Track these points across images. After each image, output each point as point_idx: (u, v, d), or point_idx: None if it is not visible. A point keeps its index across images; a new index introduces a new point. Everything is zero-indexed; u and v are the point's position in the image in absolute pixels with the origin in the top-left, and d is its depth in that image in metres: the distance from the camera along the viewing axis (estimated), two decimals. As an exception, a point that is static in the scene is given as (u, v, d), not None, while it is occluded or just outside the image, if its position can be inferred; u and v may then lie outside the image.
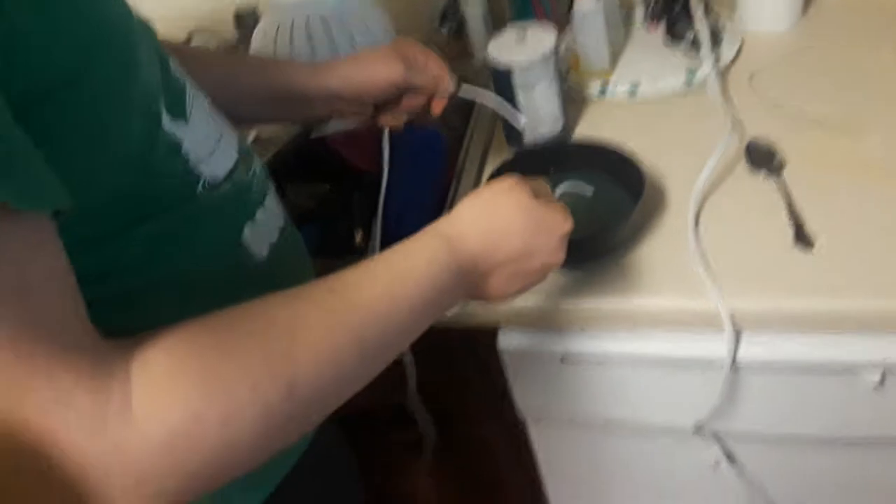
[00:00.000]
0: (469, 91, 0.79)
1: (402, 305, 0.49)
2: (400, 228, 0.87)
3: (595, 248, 0.75)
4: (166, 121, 0.49)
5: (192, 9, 1.36)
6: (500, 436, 0.98)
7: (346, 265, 0.86)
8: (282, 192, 1.05)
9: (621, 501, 0.96)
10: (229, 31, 1.30)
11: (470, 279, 0.55)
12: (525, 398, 0.85)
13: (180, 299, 0.50)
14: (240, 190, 0.56)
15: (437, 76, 0.77)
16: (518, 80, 0.86)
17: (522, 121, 0.76)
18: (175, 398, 0.39)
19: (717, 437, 0.80)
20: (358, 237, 0.90)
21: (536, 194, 0.57)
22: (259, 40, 1.00)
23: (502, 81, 0.88)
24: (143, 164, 0.47)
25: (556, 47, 0.87)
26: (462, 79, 1.13)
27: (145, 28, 0.51)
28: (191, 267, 0.52)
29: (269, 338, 0.43)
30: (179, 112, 0.51)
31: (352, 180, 1.00)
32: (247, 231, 0.56)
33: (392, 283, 0.49)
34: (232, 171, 0.56)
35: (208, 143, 0.54)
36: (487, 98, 0.77)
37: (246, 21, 1.22)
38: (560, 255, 0.58)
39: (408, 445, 0.98)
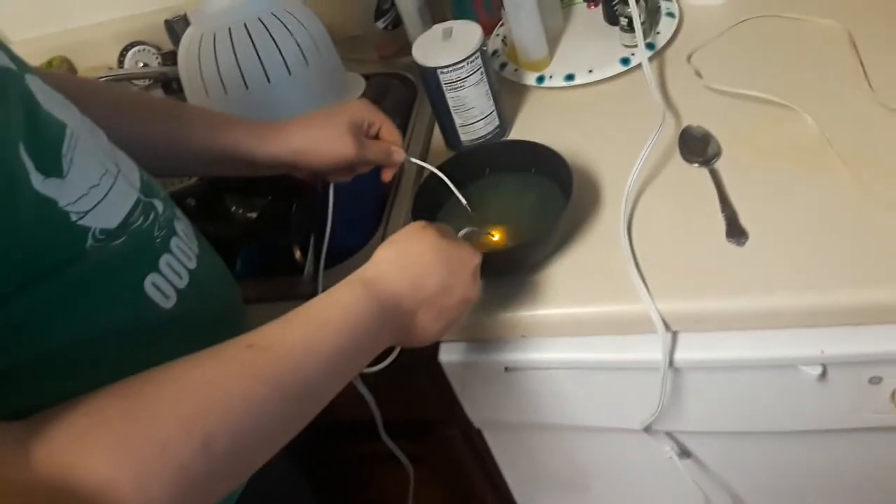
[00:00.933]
0: (416, 162, 0.80)
1: (320, 353, 0.50)
2: (340, 241, 0.85)
3: (524, 257, 0.73)
4: (37, 181, 0.46)
5: (123, 22, 1.32)
6: (465, 442, 0.97)
7: (287, 284, 0.85)
8: (222, 203, 1.05)
9: (586, 499, 0.96)
10: (164, 41, 1.27)
11: (396, 320, 0.56)
12: (475, 408, 0.83)
13: (84, 364, 0.49)
14: (138, 241, 0.54)
15: (387, 149, 0.76)
16: (445, 81, 0.84)
17: (465, 203, 0.77)
18: (81, 469, 0.39)
19: (669, 435, 0.79)
20: (297, 254, 0.88)
21: (444, 234, 0.59)
22: (184, 52, 0.97)
23: (430, 82, 0.85)
24: (7, 233, 0.44)
25: (483, 45, 0.84)
26: (400, 76, 1.11)
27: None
28: (87, 331, 0.49)
29: (179, 397, 0.44)
30: (52, 168, 0.48)
31: (292, 192, 0.97)
32: (149, 282, 0.54)
33: (309, 333, 0.50)
34: (129, 217, 0.53)
35: (97, 192, 0.51)
36: (435, 170, 0.77)
37: (177, 29, 1.19)
38: (475, 289, 0.60)
39: (384, 457, 0.97)
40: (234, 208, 1.00)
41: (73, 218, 0.48)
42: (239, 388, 0.45)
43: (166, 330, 0.55)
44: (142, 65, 1.33)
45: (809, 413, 0.71)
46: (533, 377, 0.77)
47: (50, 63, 1.38)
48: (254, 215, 0.98)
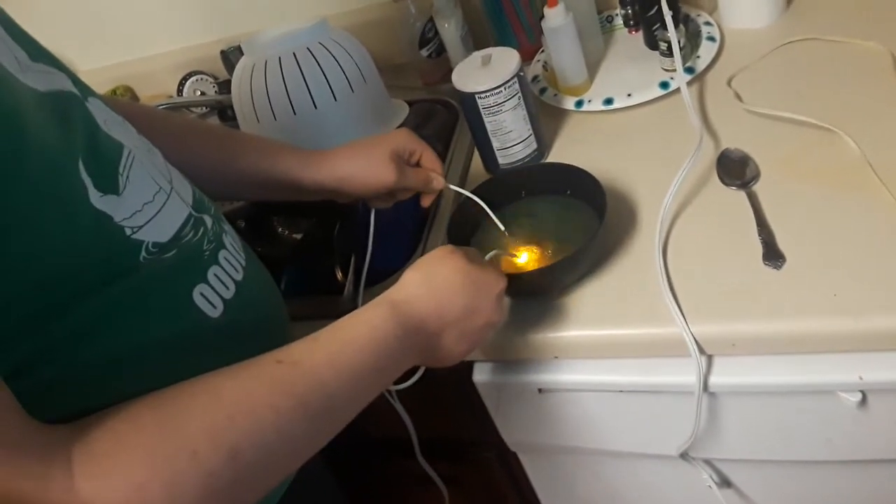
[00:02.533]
0: (455, 188, 0.81)
1: (344, 371, 0.52)
2: (381, 262, 0.87)
3: (556, 278, 0.73)
4: (94, 197, 0.49)
5: (182, 53, 1.39)
6: (501, 465, 0.97)
7: (328, 303, 0.87)
8: (270, 224, 1.09)
9: (623, 524, 0.94)
10: (220, 70, 1.33)
11: (420, 341, 0.58)
12: (509, 429, 0.84)
13: (135, 371, 0.51)
14: (188, 254, 0.57)
15: (427, 177, 0.79)
16: (483, 106, 0.86)
17: (502, 227, 0.79)
18: (116, 473, 0.42)
19: (707, 463, 0.78)
20: (339, 274, 0.91)
21: (470, 259, 0.61)
22: (237, 80, 1.02)
23: (469, 108, 0.87)
24: (67, 246, 0.47)
25: (521, 71, 0.85)
26: (443, 102, 1.13)
27: (57, 102, 0.51)
28: (140, 339, 0.52)
29: (210, 409, 0.47)
30: (109, 185, 0.51)
31: (335, 214, 1.00)
32: (197, 293, 0.56)
33: (334, 352, 0.53)
34: (180, 231, 0.56)
35: (150, 208, 0.54)
36: (471, 196, 0.79)
37: (232, 59, 1.25)
38: (500, 313, 0.62)
39: (419, 478, 0.98)
40: (280, 229, 1.04)
41: (128, 232, 0.51)
42: (267, 402, 0.48)
43: (214, 338, 0.57)
44: (199, 93, 1.39)
45: (851, 442, 0.69)
46: (566, 399, 0.77)
47: (114, 91, 1.46)
48: (299, 236, 1.02)
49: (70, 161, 0.49)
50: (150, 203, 0.54)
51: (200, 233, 0.58)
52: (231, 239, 0.63)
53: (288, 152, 0.77)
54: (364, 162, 0.75)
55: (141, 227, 0.52)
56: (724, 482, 0.81)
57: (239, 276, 0.60)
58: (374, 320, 0.56)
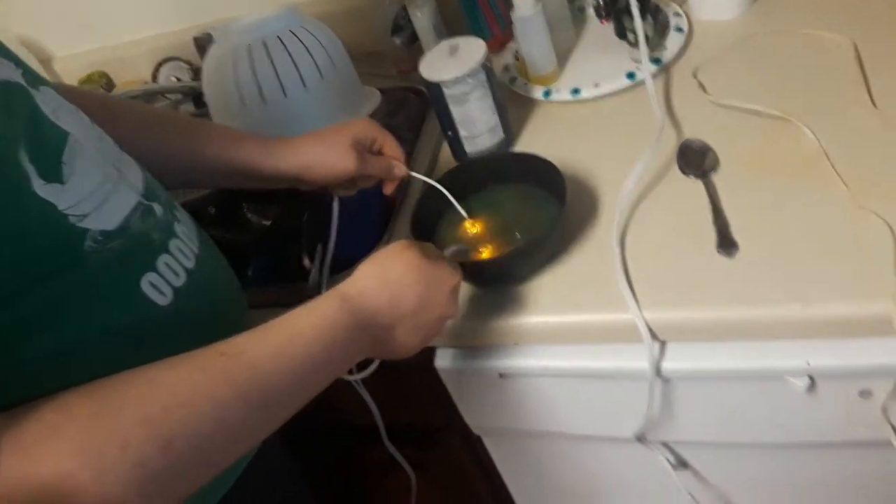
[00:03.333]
0: (417, 176, 0.82)
1: (289, 363, 0.53)
2: (347, 249, 0.88)
3: (515, 267, 0.74)
4: (38, 185, 0.50)
5: (158, 39, 1.39)
6: (466, 449, 0.98)
7: (293, 290, 0.88)
8: (240, 212, 1.09)
9: (586, 506, 0.96)
10: (196, 56, 1.32)
11: (371, 334, 0.59)
12: (472, 414, 0.85)
13: (84, 361, 0.51)
14: (136, 243, 0.57)
15: (388, 165, 0.79)
16: (449, 95, 0.86)
17: (465, 214, 0.80)
18: (45, 461, 0.42)
19: (664, 446, 0.80)
20: (306, 262, 0.91)
21: (426, 254, 0.62)
22: (207, 68, 1.02)
23: (435, 97, 0.88)
24: (10, 235, 0.47)
25: (487, 61, 0.86)
26: (415, 90, 1.14)
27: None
28: (88, 329, 0.52)
29: (145, 399, 0.47)
30: (52, 174, 0.51)
31: (304, 201, 1.01)
32: (146, 281, 0.57)
33: (281, 343, 0.53)
34: (128, 220, 0.57)
35: (96, 196, 0.55)
36: (434, 184, 0.80)
37: (206, 46, 1.24)
38: (453, 307, 0.63)
39: (387, 463, 0.99)
40: (250, 216, 1.04)
41: (73, 220, 0.51)
42: (205, 393, 0.48)
43: (164, 327, 0.58)
44: (175, 79, 1.39)
45: (801, 425, 0.71)
46: (526, 384, 0.78)
47: (90, 77, 1.46)
48: (268, 223, 1.02)
49: (11, 149, 0.49)
50: (95, 191, 0.55)
51: (149, 221, 0.59)
52: (184, 227, 0.63)
53: (250, 141, 0.77)
54: (325, 150, 0.76)
55: (86, 215, 0.53)
56: (682, 464, 0.82)
57: (191, 264, 0.61)
58: (325, 312, 0.56)
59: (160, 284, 0.58)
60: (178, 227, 0.63)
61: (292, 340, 0.54)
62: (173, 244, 0.61)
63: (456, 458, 0.98)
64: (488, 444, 0.91)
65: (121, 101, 0.84)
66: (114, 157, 0.59)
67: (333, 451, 1.05)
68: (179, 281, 0.60)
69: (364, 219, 0.94)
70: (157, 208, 0.61)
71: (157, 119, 0.79)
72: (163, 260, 0.59)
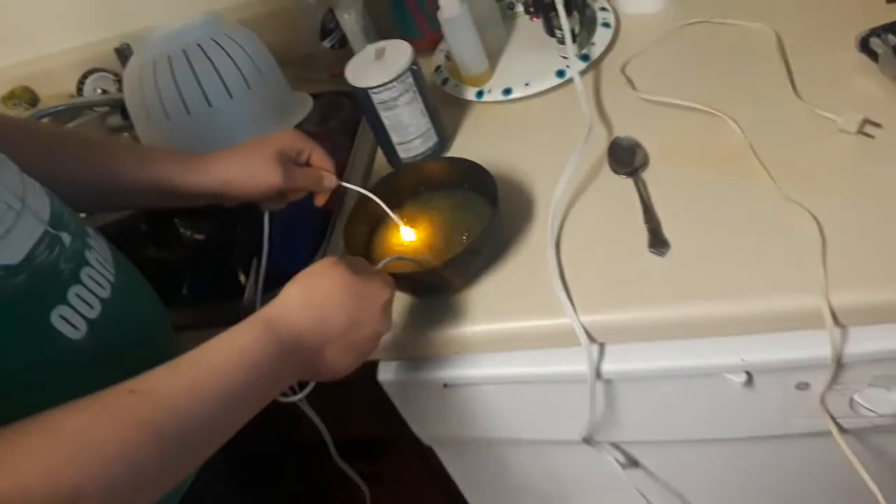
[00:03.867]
0: (348, 186, 0.80)
1: (206, 396, 0.51)
2: (283, 263, 0.86)
3: (450, 276, 0.73)
4: None
5: (81, 50, 1.34)
6: (419, 460, 0.97)
7: (227, 309, 0.86)
8: (172, 227, 1.06)
9: (540, 508, 0.96)
10: (120, 67, 1.28)
11: (298, 357, 0.57)
12: (420, 425, 0.84)
13: None
14: (43, 275, 0.54)
15: (317, 176, 0.77)
16: (378, 101, 0.84)
17: (400, 223, 0.78)
18: None
19: (613, 446, 0.80)
20: (241, 277, 0.89)
21: (355, 270, 0.60)
22: (128, 80, 0.98)
23: (364, 103, 0.86)
24: None
25: (414, 64, 0.84)
26: (349, 94, 1.11)
27: None
28: None
29: (48, 447, 0.44)
30: None
31: (238, 214, 0.98)
32: (56, 315, 0.54)
33: (197, 377, 0.51)
34: (33, 251, 0.54)
35: None
36: (366, 193, 0.78)
37: (128, 56, 1.20)
38: (386, 323, 0.62)
39: (340, 479, 0.97)
40: (182, 231, 1.01)
41: None
42: (113, 436, 0.45)
43: (79, 361, 0.55)
44: (100, 91, 1.34)
45: (741, 420, 0.72)
46: (471, 393, 0.77)
47: (12, 93, 1.40)
48: (202, 238, 0.99)
49: None
50: None
51: (56, 251, 0.56)
52: (97, 254, 0.60)
53: (167, 158, 0.74)
54: (247, 164, 0.74)
55: None
56: (631, 462, 0.82)
57: (106, 294, 0.58)
58: (245, 340, 0.54)
59: (72, 317, 0.55)
60: (89, 255, 0.60)
61: (210, 372, 0.51)
62: (85, 273, 0.58)
63: (409, 469, 0.97)
64: (440, 453, 0.90)
65: (28, 123, 0.80)
66: (15, 186, 0.56)
67: (285, 470, 1.03)
68: (94, 312, 0.57)
69: (298, 231, 0.91)
70: (66, 237, 0.58)
71: (67, 140, 0.75)
72: (73, 291, 0.56)
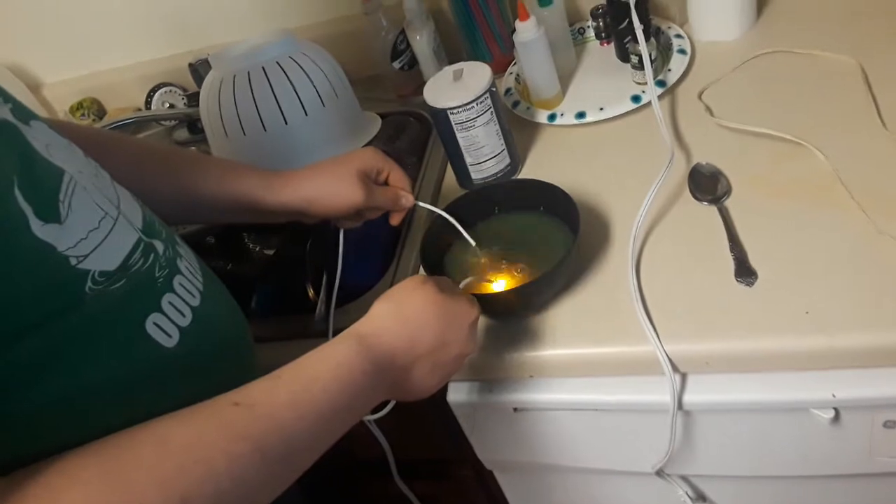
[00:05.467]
0: (425, 206, 0.80)
1: (307, 412, 0.51)
2: (352, 280, 0.86)
3: (530, 298, 0.72)
4: (36, 226, 0.47)
5: (150, 65, 1.37)
6: (478, 483, 0.96)
7: (300, 323, 0.86)
8: (241, 241, 1.07)
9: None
10: (189, 82, 1.31)
11: (389, 376, 0.57)
12: (485, 449, 0.83)
13: (87, 409, 0.49)
14: (139, 282, 0.54)
15: (395, 195, 0.78)
16: (455, 122, 0.85)
17: (473, 244, 0.78)
18: None
19: (683, 479, 0.78)
20: (311, 292, 0.89)
21: (442, 289, 0.60)
22: (205, 95, 1.00)
23: (441, 123, 0.87)
24: (7, 279, 0.44)
25: (493, 86, 0.85)
26: (416, 114, 1.13)
27: None
28: (90, 374, 0.49)
29: (159, 458, 0.44)
30: (49, 213, 0.48)
31: (307, 230, 0.99)
32: (150, 322, 0.54)
33: (297, 391, 0.51)
34: (128, 258, 0.54)
35: (96, 235, 0.52)
36: (442, 213, 0.78)
37: (201, 72, 1.23)
38: (472, 344, 0.61)
39: (397, 499, 0.97)
40: (251, 245, 1.02)
41: (73, 262, 0.49)
42: (221, 448, 0.46)
43: (171, 369, 0.55)
44: (168, 105, 1.37)
45: (824, 457, 0.70)
46: (541, 418, 0.76)
47: (80, 104, 1.44)
48: (270, 252, 1.00)
49: (4, 190, 0.46)
50: (95, 230, 0.52)
51: (151, 259, 0.56)
52: (187, 263, 0.61)
53: (251, 174, 0.75)
54: (330, 182, 0.74)
55: (86, 255, 0.50)
56: (700, 497, 0.80)
57: (196, 302, 0.58)
58: (340, 356, 0.54)
59: (165, 325, 0.55)
60: (181, 264, 0.61)
61: (309, 388, 0.51)
62: (177, 282, 0.59)
63: (467, 492, 0.96)
64: (500, 478, 0.89)
65: (115, 136, 0.81)
66: (111, 194, 0.57)
67: (344, 487, 1.02)
68: (185, 321, 0.57)
69: (369, 249, 0.92)
70: (159, 245, 0.59)
71: (153, 154, 0.76)
72: (167, 299, 0.57)
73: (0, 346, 0.44)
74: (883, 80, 0.83)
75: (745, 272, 0.68)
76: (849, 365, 0.63)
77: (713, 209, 0.76)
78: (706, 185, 0.78)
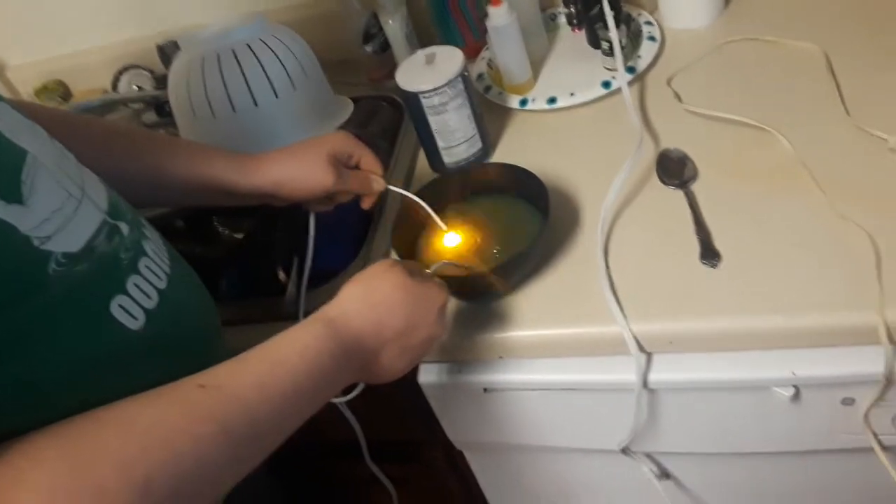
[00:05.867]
0: (396, 189, 0.80)
1: (273, 394, 0.51)
2: (323, 263, 0.86)
3: (497, 282, 0.73)
4: None
5: (117, 47, 1.35)
6: (448, 464, 0.97)
7: (270, 305, 0.86)
8: (210, 224, 1.06)
9: (569, 519, 0.96)
10: (157, 64, 1.29)
11: (357, 358, 0.57)
12: (455, 429, 0.84)
13: (51, 392, 0.48)
14: (103, 264, 0.54)
15: (366, 179, 0.78)
16: (427, 105, 0.85)
17: (444, 228, 0.78)
18: None
19: (648, 456, 0.79)
20: (281, 275, 0.89)
21: (411, 273, 0.60)
22: (174, 76, 0.99)
23: (413, 107, 0.87)
24: None
25: (465, 70, 0.85)
26: (388, 98, 1.12)
27: None
28: (55, 357, 0.48)
29: (121, 440, 0.44)
30: (11, 194, 0.47)
31: (277, 213, 0.98)
32: (115, 305, 0.54)
33: (263, 373, 0.51)
34: (93, 239, 0.53)
35: (59, 216, 0.51)
36: (413, 197, 0.78)
37: (169, 54, 1.21)
38: (441, 327, 0.62)
39: (367, 480, 0.97)
40: (220, 229, 1.01)
41: (35, 243, 0.48)
42: (185, 429, 0.45)
43: (136, 351, 0.55)
44: (136, 87, 1.34)
45: (785, 434, 0.72)
46: (511, 398, 0.77)
47: (45, 87, 1.41)
48: (240, 236, 0.99)
49: None
50: (58, 210, 0.51)
51: (116, 241, 0.55)
52: (153, 245, 0.60)
53: (220, 156, 0.75)
54: (300, 165, 0.74)
55: (49, 237, 0.49)
56: (665, 474, 0.82)
57: (162, 284, 0.58)
58: (308, 338, 0.54)
59: (131, 307, 0.55)
60: (147, 246, 0.60)
61: (275, 370, 0.51)
62: (143, 263, 0.58)
63: (437, 472, 0.97)
64: (470, 458, 0.90)
65: (81, 117, 0.80)
66: (75, 175, 0.56)
67: (314, 469, 1.03)
68: (151, 303, 0.57)
69: (340, 232, 0.92)
70: (124, 227, 0.58)
71: (120, 135, 0.75)
72: (132, 281, 0.56)
73: None
74: (846, 68, 0.85)
75: (709, 254, 0.70)
76: (808, 344, 0.65)
77: (680, 193, 0.77)
78: (674, 169, 0.80)
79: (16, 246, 0.47)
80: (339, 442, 0.89)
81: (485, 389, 0.77)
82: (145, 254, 0.59)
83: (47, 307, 0.48)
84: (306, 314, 0.81)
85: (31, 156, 0.51)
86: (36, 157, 0.52)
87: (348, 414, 0.82)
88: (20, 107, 0.56)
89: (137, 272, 0.57)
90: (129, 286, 0.55)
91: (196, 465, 0.46)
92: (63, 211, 0.52)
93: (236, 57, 0.94)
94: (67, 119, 0.74)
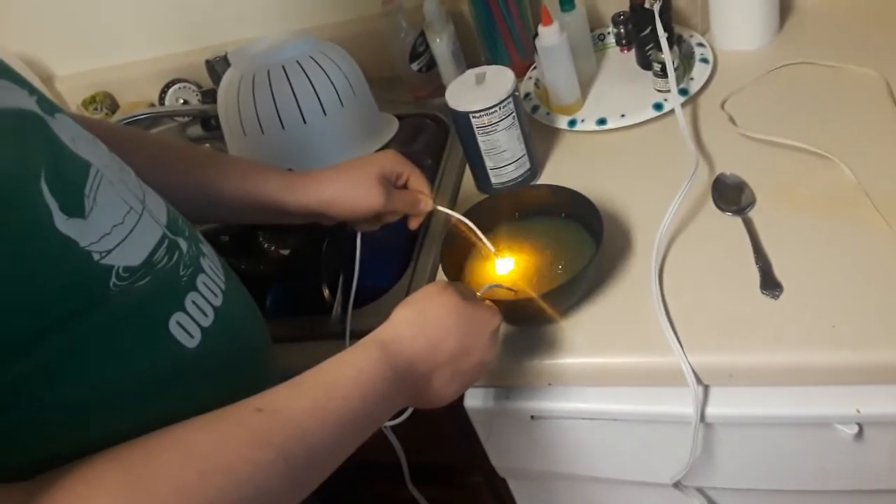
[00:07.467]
0: (444, 210, 0.79)
1: (329, 419, 0.50)
2: (369, 282, 0.85)
3: (551, 306, 0.72)
4: (60, 221, 0.46)
5: (165, 60, 1.36)
6: (489, 490, 0.95)
7: (315, 324, 0.85)
8: (255, 241, 1.07)
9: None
10: (204, 78, 1.30)
11: (410, 383, 0.56)
12: (499, 456, 0.82)
13: (106, 408, 0.48)
14: (163, 280, 0.54)
15: (415, 199, 0.77)
16: (477, 125, 0.84)
17: (493, 250, 0.76)
18: None
19: (699, 491, 0.77)
20: (326, 293, 0.89)
21: (464, 296, 0.59)
22: (224, 92, 0.99)
23: (462, 127, 0.86)
24: (29, 275, 0.43)
25: (516, 90, 0.84)
26: (433, 117, 1.12)
27: (11, 120, 0.46)
28: (112, 373, 0.48)
29: (181, 465, 0.44)
30: (74, 207, 0.47)
31: (323, 231, 0.98)
32: (174, 322, 0.54)
33: (319, 398, 0.50)
34: (153, 254, 0.53)
35: (120, 230, 0.51)
36: (462, 219, 0.77)
37: (217, 69, 1.22)
38: (493, 351, 0.61)
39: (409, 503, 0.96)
40: (266, 245, 1.01)
41: (96, 258, 0.47)
42: (244, 455, 0.45)
43: (191, 369, 0.54)
44: (182, 101, 1.36)
45: (846, 473, 0.69)
46: (559, 426, 0.76)
47: (93, 98, 1.43)
48: (285, 252, 0.99)
49: (30, 182, 0.44)
50: (119, 225, 0.51)
51: (175, 257, 0.55)
52: (210, 262, 0.60)
53: (271, 174, 0.75)
54: (350, 185, 0.74)
55: (110, 251, 0.49)
56: (717, 510, 0.80)
57: (218, 302, 0.58)
58: (363, 363, 0.53)
59: (188, 325, 0.54)
60: (204, 263, 0.60)
61: (331, 394, 0.51)
62: (200, 280, 0.58)
63: (478, 498, 0.95)
64: (513, 485, 0.88)
65: (135, 131, 0.81)
66: (136, 188, 0.56)
67: (354, 490, 1.01)
68: (207, 320, 0.56)
69: (386, 251, 0.91)
70: (182, 243, 0.58)
71: (172, 151, 0.76)
72: (191, 298, 0.56)
73: (22, 346, 0.43)
74: (908, 95, 0.82)
75: (770, 284, 0.68)
76: (874, 380, 0.63)
77: (738, 220, 0.75)
78: (730, 195, 0.78)
79: (76, 261, 0.47)
80: (380, 464, 0.88)
81: (532, 416, 0.75)
82: (203, 270, 0.59)
83: (107, 323, 0.48)
84: (352, 333, 0.81)
85: (94, 168, 0.51)
86: (99, 169, 0.52)
87: (392, 437, 0.81)
88: (76, 119, 0.56)
89: (196, 289, 0.56)
90: (188, 303, 0.55)
91: (255, 491, 0.45)
92: (124, 225, 0.51)
93: (286, 73, 0.94)
94: (119, 132, 0.75)
